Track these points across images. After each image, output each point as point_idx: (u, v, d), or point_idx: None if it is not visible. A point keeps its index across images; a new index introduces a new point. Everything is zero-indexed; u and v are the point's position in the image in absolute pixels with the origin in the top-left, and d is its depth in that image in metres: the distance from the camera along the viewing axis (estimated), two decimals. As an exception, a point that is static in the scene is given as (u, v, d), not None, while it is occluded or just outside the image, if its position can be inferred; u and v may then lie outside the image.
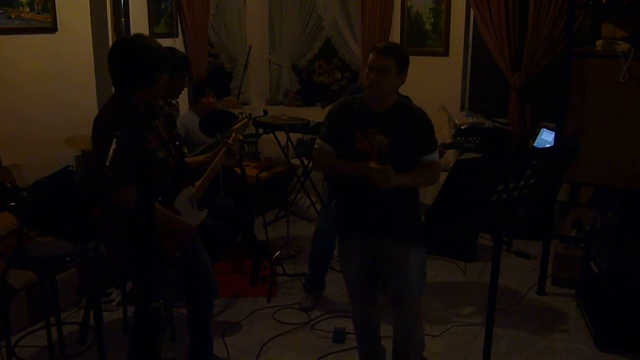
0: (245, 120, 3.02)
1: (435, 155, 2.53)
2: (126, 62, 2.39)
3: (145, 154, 2.39)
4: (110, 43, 4.65)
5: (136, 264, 2.53)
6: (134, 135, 2.34)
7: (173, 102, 3.83)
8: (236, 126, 2.94)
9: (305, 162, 4.89)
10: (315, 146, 2.58)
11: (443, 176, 2.05)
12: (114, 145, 1.91)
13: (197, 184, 2.67)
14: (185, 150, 3.00)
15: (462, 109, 5.49)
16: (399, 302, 2.67)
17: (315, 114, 5.42)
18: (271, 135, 4.82)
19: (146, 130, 2.46)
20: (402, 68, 2.45)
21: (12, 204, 3.71)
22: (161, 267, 2.50)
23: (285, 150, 4.83)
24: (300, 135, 5.60)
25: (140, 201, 1.91)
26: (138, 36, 2.47)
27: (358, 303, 2.79)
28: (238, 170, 4.15)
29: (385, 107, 2.49)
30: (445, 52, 5.38)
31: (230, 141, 2.78)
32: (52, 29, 4.42)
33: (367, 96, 2.49)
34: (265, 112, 6.25)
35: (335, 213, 2.78)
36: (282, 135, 4.67)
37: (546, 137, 4.54)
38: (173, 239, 2.52)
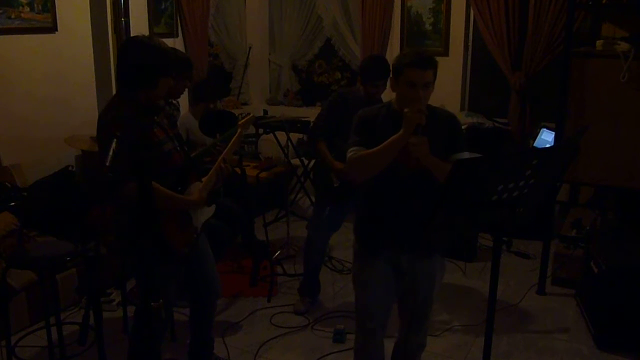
0: (251, 116, 3.02)
1: (464, 156, 2.41)
2: (132, 61, 2.41)
3: (151, 147, 2.40)
4: (111, 43, 4.70)
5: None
6: (138, 128, 2.36)
7: (174, 102, 3.84)
8: (242, 122, 2.94)
9: (306, 162, 4.89)
10: (350, 154, 2.38)
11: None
12: (114, 146, 1.92)
13: (204, 179, 2.68)
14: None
15: (462, 109, 5.49)
16: (419, 317, 2.58)
17: (315, 114, 5.41)
18: (271, 135, 4.82)
19: (151, 124, 2.47)
20: (436, 76, 2.36)
21: (12, 204, 3.71)
22: (166, 264, 2.50)
23: (285, 150, 4.83)
24: (300, 135, 5.60)
25: (140, 201, 1.91)
26: (150, 37, 2.50)
27: (375, 334, 2.56)
28: (238, 170, 4.15)
29: None
30: (445, 52, 5.38)
31: (236, 137, 2.80)
32: (52, 29, 4.43)
33: (409, 111, 2.26)
34: (265, 112, 6.26)
35: (359, 234, 2.56)
36: (282, 135, 4.67)
37: (546, 137, 4.54)
38: (182, 233, 2.53)
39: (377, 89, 3.44)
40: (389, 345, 2.72)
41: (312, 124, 3.98)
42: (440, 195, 1.83)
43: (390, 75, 2.40)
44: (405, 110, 2.24)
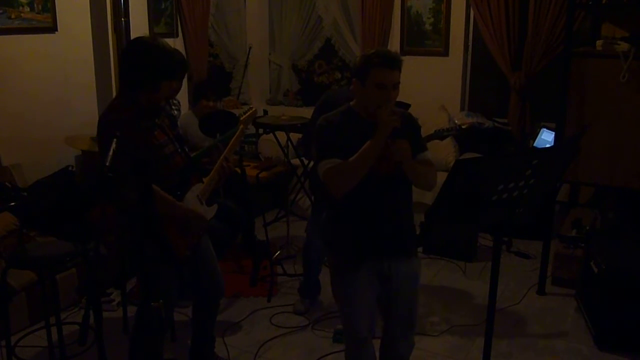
0: (253, 110, 3.00)
1: (429, 154, 2.44)
2: (136, 62, 2.41)
3: (151, 150, 2.40)
4: (111, 43, 4.69)
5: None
6: (138, 131, 2.36)
7: (174, 101, 3.84)
8: (244, 117, 2.94)
9: (306, 162, 4.89)
10: (323, 169, 2.28)
11: (443, 176, 2.05)
12: (113, 146, 1.92)
13: (205, 180, 2.68)
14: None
15: (462, 109, 5.49)
16: (407, 318, 2.54)
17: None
18: (271, 135, 4.82)
19: (151, 126, 2.47)
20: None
21: (12, 204, 3.71)
22: (167, 265, 2.51)
23: (285, 150, 4.83)
24: (300, 135, 5.60)
25: (140, 200, 1.92)
26: (155, 39, 2.49)
27: (365, 344, 2.51)
28: (238, 170, 4.15)
29: None
30: (445, 52, 5.38)
31: (238, 134, 2.80)
32: (52, 29, 4.42)
33: (378, 112, 2.23)
34: (265, 112, 6.26)
35: (337, 247, 2.49)
36: (282, 135, 4.68)
37: (546, 137, 4.54)
38: (183, 236, 2.53)
39: None
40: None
41: (304, 129, 3.94)
42: (440, 196, 1.83)
43: (354, 78, 2.31)
44: (380, 114, 2.19)
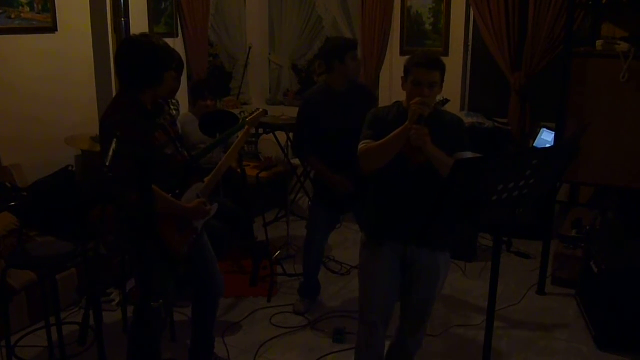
0: (260, 111, 2.99)
1: (467, 155, 2.48)
2: (136, 62, 2.41)
3: (152, 150, 2.40)
4: (111, 43, 4.69)
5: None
6: (140, 132, 2.36)
7: (173, 101, 3.84)
8: (250, 119, 2.92)
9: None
10: (361, 146, 2.47)
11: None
12: (114, 146, 1.92)
13: (206, 180, 2.68)
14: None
15: (462, 109, 5.49)
16: (420, 314, 2.61)
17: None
18: (271, 135, 4.82)
19: (153, 127, 2.47)
20: (444, 78, 2.48)
21: (12, 204, 3.71)
22: (165, 265, 2.51)
23: (285, 150, 4.83)
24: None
25: (140, 200, 1.92)
26: (145, 36, 2.51)
27: (376, 327, 2.58)
28: (238, 170, 4.15)
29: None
30: (445, 52, 5.38)
31: (243, 134, 2.81)
32: (52, 29, 4.42)
33: (413, 103, 2.36)
34: (265, 112, 6.26)
35: (366, 223, 2.66)
36: (282, 135, 4.67)
37: (546, 137, 4.54)
38: (180, 234, 2.53)
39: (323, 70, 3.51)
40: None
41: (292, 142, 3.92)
42: (440, 195, 1.83)
43: (402, 75, 2.51)
44: (411, 102, 2.36)
